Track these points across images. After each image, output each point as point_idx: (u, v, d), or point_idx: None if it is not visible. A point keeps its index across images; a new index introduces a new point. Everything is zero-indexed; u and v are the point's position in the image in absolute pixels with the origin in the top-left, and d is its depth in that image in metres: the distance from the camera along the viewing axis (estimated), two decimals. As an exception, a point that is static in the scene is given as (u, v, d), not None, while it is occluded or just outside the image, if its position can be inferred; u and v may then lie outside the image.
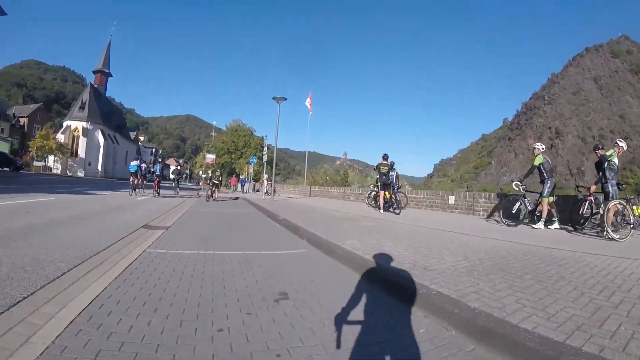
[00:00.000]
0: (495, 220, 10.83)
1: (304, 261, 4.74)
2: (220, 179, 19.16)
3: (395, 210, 11.98)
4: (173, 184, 25.63)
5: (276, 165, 21.60)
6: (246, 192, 33.23)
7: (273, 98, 17.37)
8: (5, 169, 35.43)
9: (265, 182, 27.76)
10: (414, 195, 15.76)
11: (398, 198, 12.47)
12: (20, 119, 66.92)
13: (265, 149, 20.20)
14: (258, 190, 34.39)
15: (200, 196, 21.27)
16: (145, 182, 20.21)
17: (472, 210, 13.13)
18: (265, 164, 22.61)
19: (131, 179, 18.73)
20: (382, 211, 12.07)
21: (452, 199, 14.25)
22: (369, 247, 4.97)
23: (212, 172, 23.47)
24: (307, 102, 29.62)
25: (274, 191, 21.45)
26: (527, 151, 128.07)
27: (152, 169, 24.76)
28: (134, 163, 19.10)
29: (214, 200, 17.79)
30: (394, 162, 13.64)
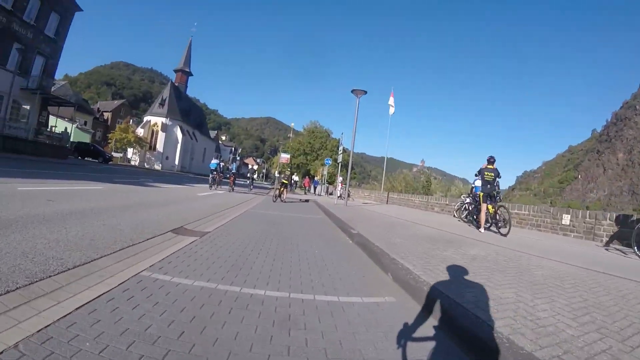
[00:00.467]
0: (619, 250, 8.34)
1: (393, 330, 2.54)
2: (290, 178, 17.49)
3: (501, 230, 9.44)
4: (248, 182, 28.46)
5: (352, 169, 19.90)
6: (318, 195, 31.57)
7: (352, 91, 15.40)
8: (94, 160, 37.32)
9: (339, 185, 25.96)
10: (515, 211, 12.94)
11: (502, 215, 9.90)
12: (104, 113, 72.52)
13: (340, 149, 18.01)
14: (331, 194, 32.66)
15: (270, 195, 19.85)
16: (222, 178, 22.89)
17: (593, 234, 10.24)
18: (340, 165, 20.66)
19: (211, 175, 21.53)
20: (482, 230, 9.56)
21: (566, 219, 11.32)
22: (511, 309, 2.77)
23: (281, 172, 21.97)
24: (390, 102, 27.25)
25: (348, 195, 19.47)
26: (616, 166, 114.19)
27: (229, 167, 27.62)
28: (214, 161, 22.01)
29: (281, 200, 16.21)
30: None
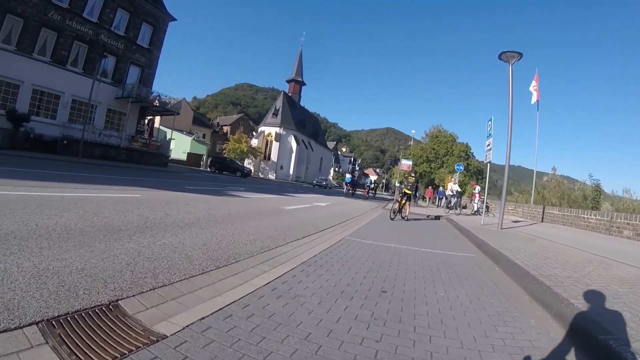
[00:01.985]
0: None
1: None
2: (416, 187, 13.01)
3: None
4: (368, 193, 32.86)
5: (482, 177, 15.09)
6: (447, 208, 26.32)
7: (501, 55, 10.52)
8: (232, 174, 36.43)
9: (476, 197, 20.61)
10: None
11: None
12: (223, 127, 78.03)
13: (488, 143, 12.19)
14: (465, 207, 27.05)
15: (387, 208, 15.60)
16: (355, 190, 29.84)
17: None
18: (471, 174, 15.75)
19: (346, 187, 29.55)
20: None
21: None
22: None
23: (402, 179, 17.41)
24: (533, 87, 20.95)
25: (488, 209, 14.39)
26: None
27: (350, 178, 30.05)
28: (348, 176, 30.08)
29: (402, 218, 11.90)
30: None
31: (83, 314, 2.16)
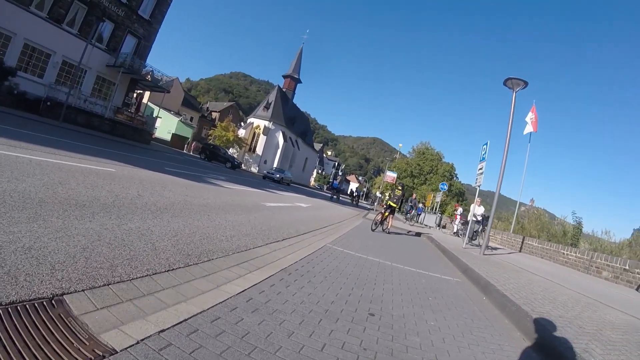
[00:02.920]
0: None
1: None
2: (401, 201, 12.76)
3: None
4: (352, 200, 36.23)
5: (463, 199, 14.63)
6: (423, 225, 26.17)
7: (506, 81, 10.35)
8: (221, 164, 35.46)
9: (458, 219, 20.46)
10: None
11: None
12: (212, 113, 75.76)
13: (481, 167, 11.87)
14: (444, 227, 26.92)
15: (368, 218, 15.28)
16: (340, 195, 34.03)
17: None
18: (453, 195, 15.46)
19: (332, 192, 33.74)
20: None
21: None
22: None
23: (387, 190, 17.10)
24: (529, 118, 20.91)
25: (469, 233, 14.24)
26: None
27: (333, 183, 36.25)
28: (335, 182, 35.61)
29: (383, 230, 11.62)
30: None
31: (18, 308, 1.73)
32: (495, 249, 15.50)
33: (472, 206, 15.06)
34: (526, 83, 10.37)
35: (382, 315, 3.11)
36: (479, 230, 14.40)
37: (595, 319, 4.29)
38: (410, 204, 22.74)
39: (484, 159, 11.14)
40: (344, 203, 30.77)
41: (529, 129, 20.24)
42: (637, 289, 10.55)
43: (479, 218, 14.69)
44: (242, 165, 44.36)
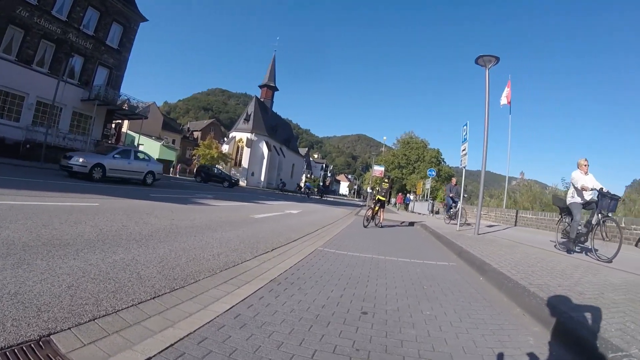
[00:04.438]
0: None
1: None
2: (389, 193, 12.66)
3: None
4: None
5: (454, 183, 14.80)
6: (415, 213, 26.19)
7: (478, 59, 10.39)
8: (219, 184, 34.98)
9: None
10: None
11: None
12: (194, 132, 75.69)
13: (463, 148, 11.88)
14: (437, 212, 26.95)
15: (361, 215, 15.22)
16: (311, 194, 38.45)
17: None
18: (442, 179, 15.62)
19: (307, 191, 40.93)
20: None
21: None
22: None
23: (376, 185, 17.03)
24: (504, 95, 21.07)
25: (462, 214, 14.26)
26: None
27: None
28: (308, 183, 40.26)
29: (376, 225, 11.57)
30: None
31: (7, 353, 1.77)
32: (491, 226, 15.55)
33: (447, 186, 15.42)
34: (497, 59, 10.40)
35: (376, 312, 3.03)
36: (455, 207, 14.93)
37: (595, 283, 4.27)
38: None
39: (465, 139, 11.17)
40: (328, 203, 30.93)
41: (504, 100, 20.43)
42: (636, 245, 10.62)
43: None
44: (240, 181, 44.07)
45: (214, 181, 35.26)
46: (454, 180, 15.50)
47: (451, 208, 15.26)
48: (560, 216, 8.78)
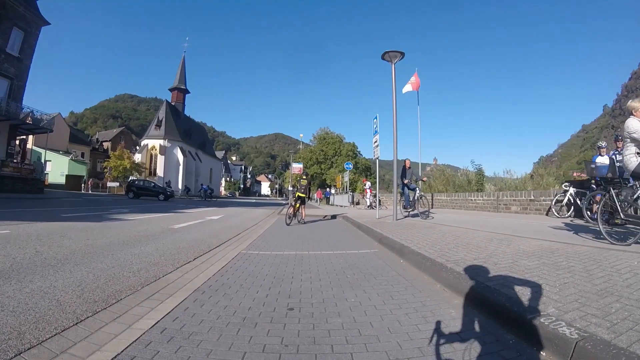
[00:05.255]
0: None
1: None
2: (308, 190, 12.75)
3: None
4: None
5: (371, 173, 15.38)
6: (336, 206, 26.78)
7: (384, 55, 10.80)
8: (153, 198, 32.87)
9: (368, 193, 21.32)
10: None
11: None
12: (103, 143, 70.05)
13: (375, 140, 12.26)
14: (358, 203, 27.75)
15: (283, 214, 15.20)
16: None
17: None
18: (360, 171, 15.94)
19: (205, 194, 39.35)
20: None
21: None
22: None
23: (295, 182, 17.13)
24: (411, 81, 22.09)
25: (380, 203, 14.83)
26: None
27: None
28: (205, 186, 39.07)
29: (298, 222, 11.63)
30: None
31: None
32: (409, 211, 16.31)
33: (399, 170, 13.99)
34: (403, 54, 10.89)
35: (302, 306, 3.01)
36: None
37: (509, 253, 4.62)
38: (405, 180, 12.62)
39: (376, 132, 11.59)
40: (250, 204, 30.33)
41: (407, 88, 21.39)
42: (546, 214, 11.70)
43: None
44: (174, 193, 41.79)
45: (149, 195, 33.28)
46: (407, 162, 12.35)
47: (409, 196, 12.50)
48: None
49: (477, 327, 2.53)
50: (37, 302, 3.03)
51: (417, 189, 12.03)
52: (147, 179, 43.15)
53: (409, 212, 12.54)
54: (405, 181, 12.25)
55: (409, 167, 12.64)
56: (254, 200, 34.90)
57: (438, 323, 2.58)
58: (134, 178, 41.81)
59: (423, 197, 12.19)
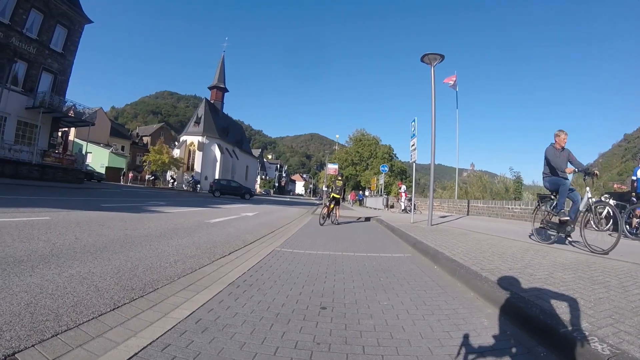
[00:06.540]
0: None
1: None
2: (343, 190, 12.76)
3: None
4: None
5: (406, 177, 15.12)
6: (372, 208, 26.68)
7: (423, 57, 10.70)
8: (235, 196, 34.32)
9: (403, 197, 21.13)
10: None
11: None
12: (143, 138, 73.26)
13: (412, 143, 12.26)
14: (392, 206, 27.55)
15: (317, 214, 15.27)
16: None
17: None
18: (395, 174, 15.78)
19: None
20: None
21: None
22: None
23: (330, 183, 17.15)
24: (450, 78, 21.83)
25: (415, 207, 14.67)
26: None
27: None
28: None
29: (332, 222, 11.68)
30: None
31: None
32: (445, 216, 16.07)
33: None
34: (442, 56, 10.76)
35: (335, 306, 3.06)
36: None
37: (545, 264, 4.51)
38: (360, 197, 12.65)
39: (414, 135, 11.49)
40: (285, 203, 30.92)
41: (449, 80, 21.17)
42: (584, 226, 11.25)
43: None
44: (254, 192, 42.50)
45: (232, 194, 34.75)
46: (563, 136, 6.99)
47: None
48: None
49: (509, 337, 2.50)
50: (75, 286, 3.17)
51: (588, 191, 6.49)
52: (229, 178, 44.38)
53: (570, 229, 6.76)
54: (569, 170, 6.64)
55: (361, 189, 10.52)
56: (288, 199, 35.18)
57: (470, 331, 2.57)
58: (220, 179, 43.24)
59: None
